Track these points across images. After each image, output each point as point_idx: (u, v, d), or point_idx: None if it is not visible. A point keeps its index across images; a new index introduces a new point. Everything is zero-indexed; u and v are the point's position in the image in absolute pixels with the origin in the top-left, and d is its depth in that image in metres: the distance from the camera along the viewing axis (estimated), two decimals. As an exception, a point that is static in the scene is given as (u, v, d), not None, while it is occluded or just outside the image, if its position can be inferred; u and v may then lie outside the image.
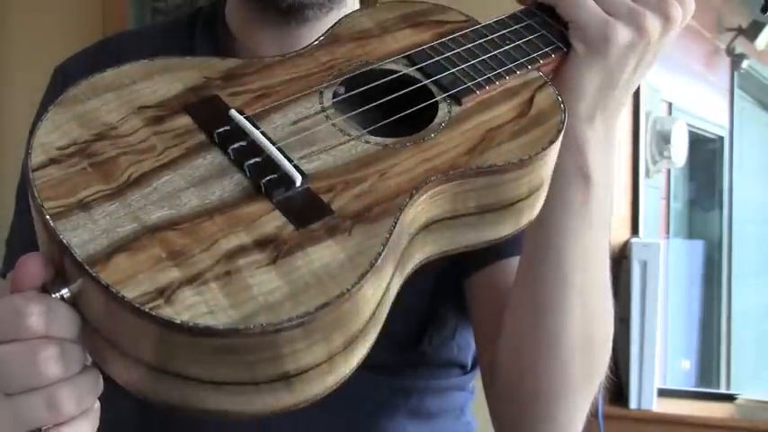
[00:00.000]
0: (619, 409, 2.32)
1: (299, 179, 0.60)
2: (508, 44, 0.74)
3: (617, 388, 2.34)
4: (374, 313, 0.59)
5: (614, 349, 2.44)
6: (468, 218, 0.65)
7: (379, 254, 0.57)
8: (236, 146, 0.62)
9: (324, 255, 0.57)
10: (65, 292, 0.56)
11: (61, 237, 0.55)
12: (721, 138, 4.45)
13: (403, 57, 0.72)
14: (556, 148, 0.67)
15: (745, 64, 4.45)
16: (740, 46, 4.34)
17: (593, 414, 2.39)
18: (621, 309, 2.31)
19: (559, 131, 0.67)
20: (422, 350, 0.97)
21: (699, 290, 4.25)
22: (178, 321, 0.52)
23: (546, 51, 0.73)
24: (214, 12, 1.01)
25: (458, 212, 0.65)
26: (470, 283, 0.95)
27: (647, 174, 2.56)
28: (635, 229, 2.45)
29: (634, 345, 2.30)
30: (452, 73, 0.71)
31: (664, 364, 2.71)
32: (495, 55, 0.73)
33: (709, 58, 4.27)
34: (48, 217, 0.56)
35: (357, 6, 0.99)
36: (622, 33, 0.72)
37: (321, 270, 0.56)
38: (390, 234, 0.59)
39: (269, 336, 0.53)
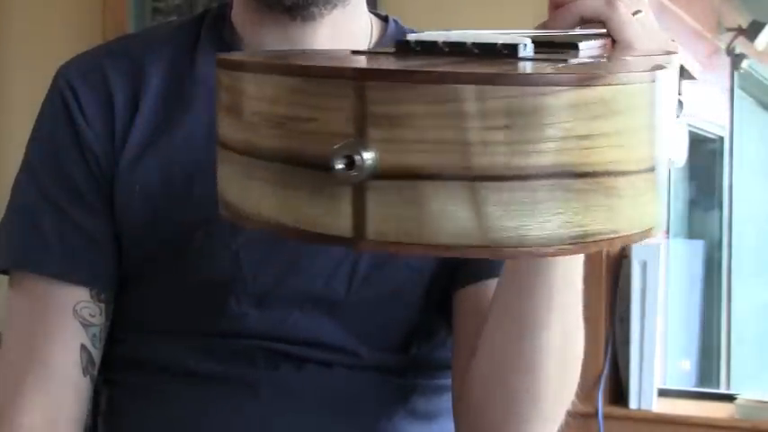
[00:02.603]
0: (619, 409, 2.32)
1: None
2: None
3: (617, 388, 2.34)
4: None
5: (614, 349, 2.43)
6: None
7: None
8: None
9: None
10: None
11: None
12: (721, 138, 4.45)
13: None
14: None
15: (745, 64, 4.45)
16: (740, 46, 4.34)
17: (594, 414, 2.39)
18: (621, 309, 2.31)
19: None
20: (413, 354, 0.97)
21: (699, 290, 4.25)
22: None
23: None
24: (221, 12, 1.01)
25: None
26: (458, 296, 0.95)
27: (648, 174, 2.56)
28: (635, 229, 2.45)
29: (634, 345, 2.29)
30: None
31: (664, 364, 2.71)
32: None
33: (709, 59, 4.27)
34: None
35: (363, 4, 1.00)
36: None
37: None
38: None
39: None
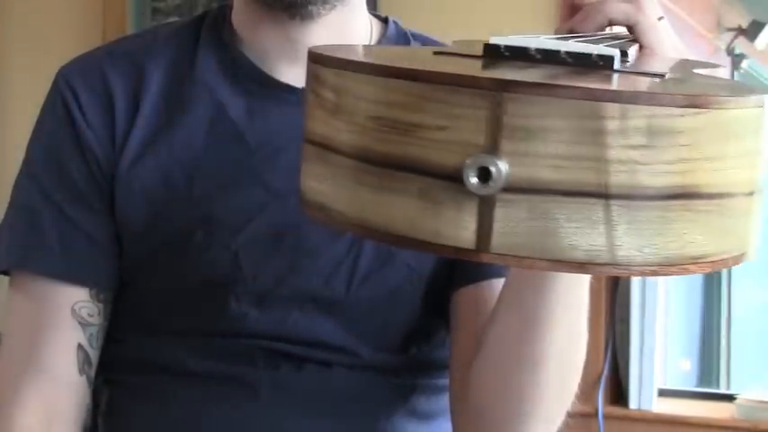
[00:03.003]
0: (619, 409, 2.32)
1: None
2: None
3: (617, 388, 2.34)
4: None
5: (614, 349, 2.43)
6: None
7: None
8: None
9: None
10: None
11: None
12: (721, 138, 4.44)
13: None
14: None
15: (745, 64, 4.44)
16: (740, 46, 4.34)
17: (594, 414, 2.39)
18: (621, 309, 2.31)
19: None
20: (413, 354, 0.97)
21: (699, 290, 4.24)
22: None
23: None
24: (221, 13, 1.01)
25: None
26: (456, 297, 0.95)
27: (647, 174, 2.56)
28: (635, 229, 2.44)
29: (634, 345, 2.29)
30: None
31: (664, 364, 2.71)
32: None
33: (708, 59, 4.27)
34: None
35: (363, 5, 1.00)
36: None
37: None
38: None
39: None
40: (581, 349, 0.88)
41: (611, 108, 0.49)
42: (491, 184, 0.48)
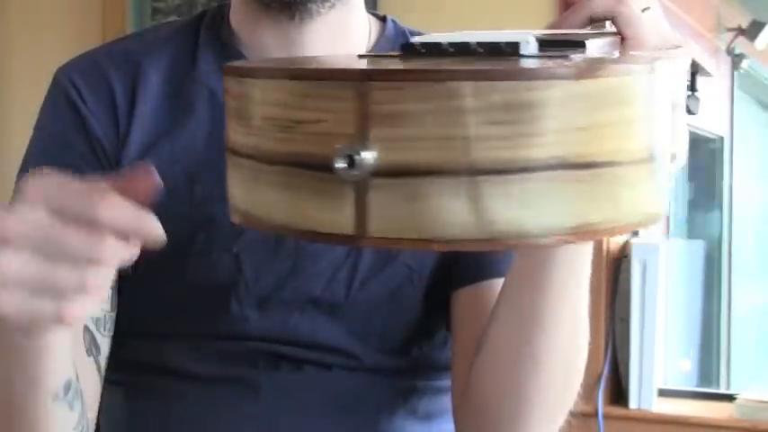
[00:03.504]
0: (619, 409, 2.32)
1: None
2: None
3: (617, 388, 2.34)
4: None
5: (614, 349, 2.42)
6: None
7: None
8: None
9: None
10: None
11: None
12: (721, 138, 4.45)
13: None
14: None
15: (745, 64, 4.45)
16: (740, 46, 4.34)
17: (594, 414, 2.39)
18: (621, 309, 2.31)
19: None
20: (414, 355, 0.97)
21: (699, 290, 4.25)
22: None
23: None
24: (219, 12, 1.01)
25: None
26: (456, 297, 0.95)
27: (647, 174, 2.56)
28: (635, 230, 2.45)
29: (634, 345, 2.30)
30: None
31: (664, 364, 2.71)
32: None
33: (708, 59, 4.27)
34: None
35: (362, 3, 1.00)
36: None
37: None
38: None
39: None
40: (582, 349, 0.88)
41: (467, 87, 0.50)
42: (356, 170, 0.50)
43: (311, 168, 0.53)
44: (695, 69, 0.69)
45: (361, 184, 0.51)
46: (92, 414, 0.91)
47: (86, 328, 0.92)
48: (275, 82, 0.55)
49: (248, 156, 0.57)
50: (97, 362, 0.94)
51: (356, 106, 0.51)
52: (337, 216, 0.52)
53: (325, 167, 0.51)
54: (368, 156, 0.50)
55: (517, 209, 0.51)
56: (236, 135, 0.58)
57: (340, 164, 0.50)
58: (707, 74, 0.78)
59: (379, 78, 0.51)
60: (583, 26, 0.74)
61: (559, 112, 0.50)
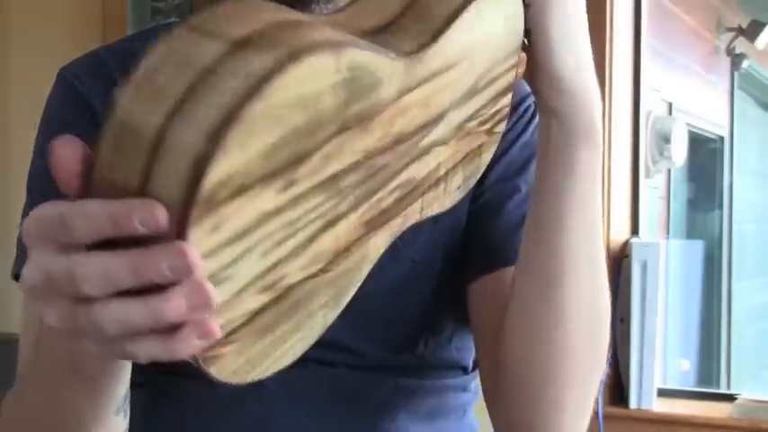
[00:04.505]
0: (619, 409, 2.32)
1: None
2: None
3: (617, 388, 2.34)
4: None
5: (614, 349, 2.41)
6: None
7: None
8: None
9: None
10: None
11: None
12: (721, 138, 4.46)
13: None
14: None
15: (745, 64, 4.46)
16: (740, 46, 4.35)
17: (594, 414, 2.38)
18: (621, 309, 2.31)
19: None
20: (419, 353, 0.97)
21: (699, 290, 4.25)
22: None
23: None
24: None
25: None
26: (473, 288, 0.95)
27: (647, 174, 2.56)
28: (635, 229, 2.45)
29: (634, 345, 2.30)
30: None
31: (664, 364, 2.71)
32: None
33: (709, 59, 4.28)
34: None
35: None
36: None
37: None
38: None
39: None
40: (606, 303, 0.87)
41: None
42: None
43: None
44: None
45: None
46: None
47: None
48: None
49: None
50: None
51: None
52: None
53: None
54: None
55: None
56: None
57: None
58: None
59: None
60: None
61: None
